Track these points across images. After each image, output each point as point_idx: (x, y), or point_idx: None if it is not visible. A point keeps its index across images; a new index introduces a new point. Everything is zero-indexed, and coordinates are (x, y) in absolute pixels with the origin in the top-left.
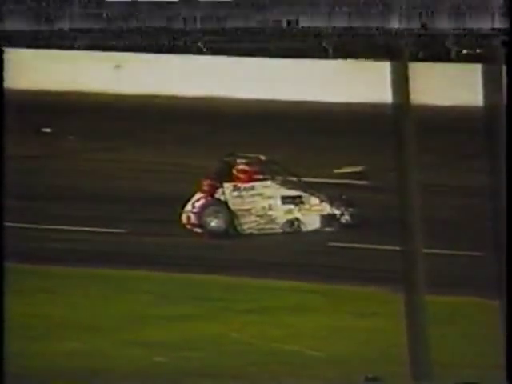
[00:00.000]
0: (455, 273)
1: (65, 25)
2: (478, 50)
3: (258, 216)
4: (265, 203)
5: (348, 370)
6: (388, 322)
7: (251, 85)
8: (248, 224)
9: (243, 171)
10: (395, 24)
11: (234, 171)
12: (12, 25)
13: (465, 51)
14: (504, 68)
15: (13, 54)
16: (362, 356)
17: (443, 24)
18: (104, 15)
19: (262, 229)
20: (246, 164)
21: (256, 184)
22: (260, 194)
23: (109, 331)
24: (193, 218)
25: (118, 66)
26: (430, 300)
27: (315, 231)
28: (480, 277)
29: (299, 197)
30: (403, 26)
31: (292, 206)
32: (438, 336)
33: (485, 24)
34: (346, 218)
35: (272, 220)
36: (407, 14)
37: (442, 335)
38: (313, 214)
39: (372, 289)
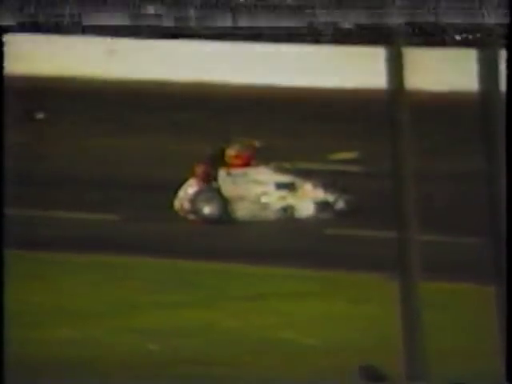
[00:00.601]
0: (451, 259)
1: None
2: (473, 35)
3: (251, 202)
4: (258, 189)
5: (343, 357)
6: (383, 309)
7: (246, 70)
8: (241, 210)
9: (237, 157)
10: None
11: (228, 157)
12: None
13: (460, 36)
14: (503, 55)
15: (4, 39)
16: (357, 343)
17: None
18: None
19: (256, 215)
20: (240, 150)
21: (249, 170)
22: (253, 180)
23: (102, 318)
24: (186, 205)
25: (111, 51)
26: (425, 286)
27: (309, 218)
28: (476, 263)
29: (293, 183)
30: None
31: (286, 193)
32: (432, 322)
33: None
34: (340, 205)
35: (265, 206)
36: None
37: (437, 321)
38: (306, 200)
39: (367, 275)
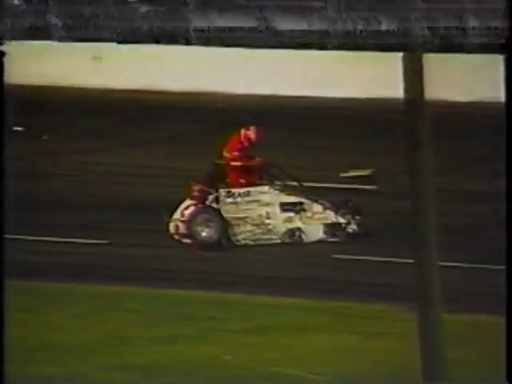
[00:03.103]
0: (475, 288)
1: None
2: (499, 40)
3: (254, 225)
4: (262, 211)
5: None
6: (400, 344)
7: (247, 78)
8: (243, 234)
9: (238, 175)
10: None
11: (228, 175)
12: None
13: (485, 41)
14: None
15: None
16: (371, 381)
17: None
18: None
19: (259, 239)
20: (241, 167)
21: (252, 189)
22: (256, 201)
23: (91, 354)
24: (182, 228)
25: (97, 58)
26: (447, 319)
27: (318, 242)
28: (502, 292)
29: (300, 204)
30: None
31: (292, 214)
32: (455, 359)
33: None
34: (352, 228)
35: (270, 229)
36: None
37: (459, 358)
38: (315, 222)
39: (382, 306)
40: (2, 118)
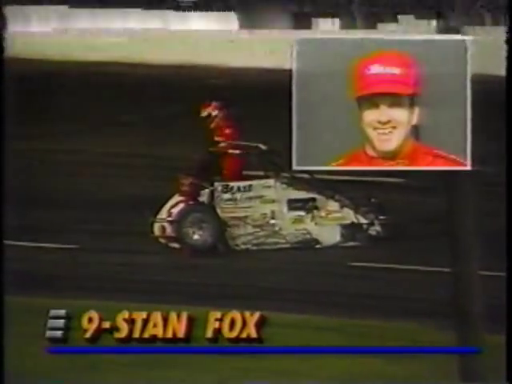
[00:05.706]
0: None
1: None
2: None
3: (256, 226)
4: (266, 209)
5: None
6: (433, 369)
7: (245, 50)
8: (243, 237)
9: (236, 166)
10: None
11: (224, 166)
12: None
13: None
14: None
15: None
16: None
17: None
18: None
19: (262, 243)
20: (240, 156)
21: (254, 183)
22: (259, 197)
23: (52, 380)
24: (169, 229)
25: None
26: (489, 339)
27: (334, 247)
28: None
29: (312, 200)
30: None
31: (302, 213)
32: None
33: None
34: (375, 229)
35: (275, 232)
36: None
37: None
38: (331, 223)
39: (410, 325)
40: (3, 98)
